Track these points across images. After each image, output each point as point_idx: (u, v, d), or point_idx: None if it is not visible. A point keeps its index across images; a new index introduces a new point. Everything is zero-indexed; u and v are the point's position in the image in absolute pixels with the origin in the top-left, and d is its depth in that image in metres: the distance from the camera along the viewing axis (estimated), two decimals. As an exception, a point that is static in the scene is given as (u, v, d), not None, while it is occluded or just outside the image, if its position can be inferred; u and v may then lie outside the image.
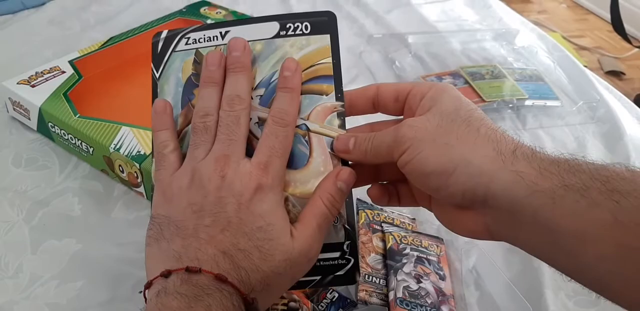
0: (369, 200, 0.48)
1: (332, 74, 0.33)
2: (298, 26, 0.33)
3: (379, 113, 0.35)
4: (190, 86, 0.34)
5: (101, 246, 0.45)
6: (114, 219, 0.48)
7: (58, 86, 0.57)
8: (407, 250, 0.43)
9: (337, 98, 0.32)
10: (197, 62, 0.34)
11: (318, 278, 0.32)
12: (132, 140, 0.51)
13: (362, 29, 0.85)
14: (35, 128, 0.57)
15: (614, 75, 1.94)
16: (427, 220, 0.49)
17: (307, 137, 0.32)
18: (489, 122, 0.30)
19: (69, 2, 0.82)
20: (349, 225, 0.32)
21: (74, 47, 0.69)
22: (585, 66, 0.83)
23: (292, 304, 0.37)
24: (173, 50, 0.34)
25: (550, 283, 0.43)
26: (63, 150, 0.55)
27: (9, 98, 0.57)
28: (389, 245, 0.43)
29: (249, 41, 0.33)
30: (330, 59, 0.33)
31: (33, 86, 0.56)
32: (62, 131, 0.53)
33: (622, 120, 0.68)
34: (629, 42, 1.70)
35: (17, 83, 0.56)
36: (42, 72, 0.58)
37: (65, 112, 0.53)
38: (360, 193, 0.49)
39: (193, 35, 0.34)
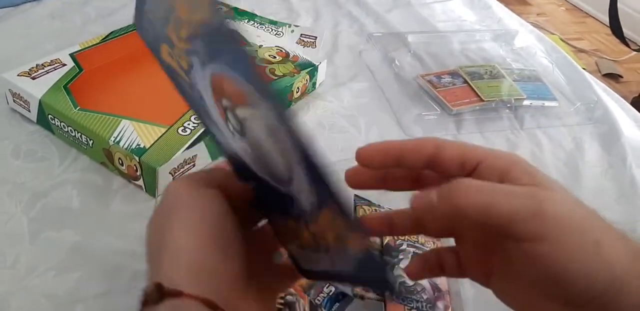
0: (366, 196, 0.49)
1: None
2: None
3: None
4: None
5: (99, 238, 0.46)
6: (113, 212, 0.49)
7: (58, 78, 0.57)
8: (404, 246, 0.43)
9: None
10: None
11: None
12: (132, 133, 0.51)
13: (362, 28, 0.85)
14: (35, 120, 0.57)
15: (612, 77, 1.95)
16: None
17: None
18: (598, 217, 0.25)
19: (70, -4, 0.82)
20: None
21: (75, 40, 0.69)
22: (584, 68, 0.84)
23: (288, 298, 0.38)
24: None
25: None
26: (63, 143, 0.55)
27: (9, 90, 0.57)
28: (385, 241, 0.43)
29: None
30: None
31: (33, 78, 0.56)
32: (62, 123, 0.53)
33: (620, 121, 0.69)
34: (627, 45, 1.71)
35: (18, 75, 0.56)
36: (42, 65, 0.58)
37: (66, 104, 0.54)
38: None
39: None
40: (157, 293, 0.24)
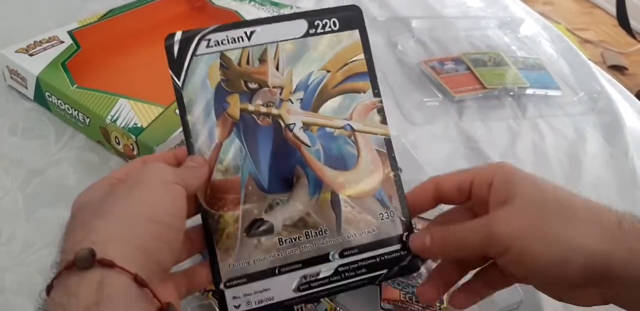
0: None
1: (366, 70, 0.33)
2: (326, 23, 0.33)
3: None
4: (222, 94, 0.32)
5: (95, 216, 0.45)
6: (109, 191, 0.48)
7: (56, 56, 0.56)
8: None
9: (375, 95, 0.33)
10: (225, 66, 0.32)
11: (385, 271, 0.33)
12: (129, 112, 0.50)
13: (366, 12, 0.83)
14: (32, 98, 0.56)
15: (617, 69, 1.93)
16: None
17: (352, 137, 0.33)
18: (575, 195, 0.30)
19: (69, -27, 0.80)
20: (404, 217, 0.33)
21: (74, 17, 0.68)
22: (589, 59, 0.83)
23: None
24: (193, 54, 0.32)
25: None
26: (59, 120, 0.55)
27: (7, 66, 0.56)
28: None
29: (278, 41, 0.32)
30: (362, 55, 0.33)
31: (31, 55, 0.56)
32: (59, 101, 0.53)
33: (623, 112, 0.68)
34: (634, 37, 1.69)
35: (15, 52, 0.56)
36: (40, 41, 0.58)
37: (63, 82, 0.53)
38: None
39: (214, 37, 0.32)
40: (88, 258, 0.24)
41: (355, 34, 0.33)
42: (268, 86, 0.32)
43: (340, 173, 0.33)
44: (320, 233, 0.32)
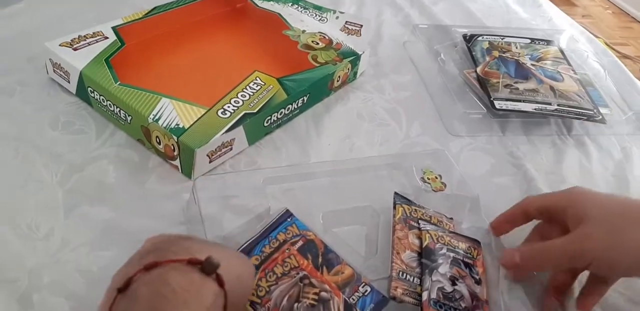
0: (405, 195, 0.47)
1: None
2: None
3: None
4: None
5: (134, 217, 0.45)
6: (148, 190, 0.48)
7: (100, 51, 0.56)
8: (444, 251, 0.41)
9: None
10: None
11: (585, 117, 0.61)
12: (171, 112, 0.50)
13: (406, 18, 0.82)
14: (74, 92, 0.56)
15: (653, 87, 1.88)
16: (465, 221, 0.47)
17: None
18: (635, 202, 0.38)
19: (114, -33, 0.81)
20: (591, 100, 0.62)
21: (117, 11, 0.68)
22: (631, 76, 0.80)
23: (323, 294, 0.37)
24: None
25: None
26: (101, 117, 0.55)
27: (50, 59, 0.56)
28: (425, 244, 0.41)
29: None
30: None
31: (75, 49, 0.56)
32: (102, 97, 0.53)
33: (671, 134, 0.65)
34: (675, 54, 1.64)
35: (59, 45, 0.56)
36: (84, 36, 0.58)
37: (106, 78, 0.53)
38: (396, 186, 0.48)
39: None
40: (215, 267, 0.28)
41: None
42: None
43: (553, 81, 0.65)
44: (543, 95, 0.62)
